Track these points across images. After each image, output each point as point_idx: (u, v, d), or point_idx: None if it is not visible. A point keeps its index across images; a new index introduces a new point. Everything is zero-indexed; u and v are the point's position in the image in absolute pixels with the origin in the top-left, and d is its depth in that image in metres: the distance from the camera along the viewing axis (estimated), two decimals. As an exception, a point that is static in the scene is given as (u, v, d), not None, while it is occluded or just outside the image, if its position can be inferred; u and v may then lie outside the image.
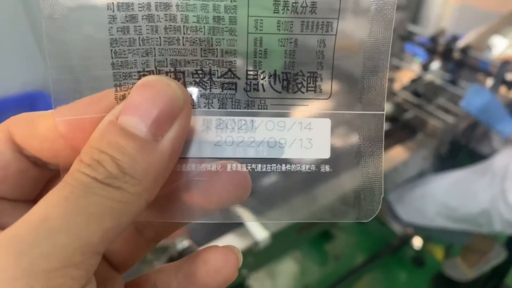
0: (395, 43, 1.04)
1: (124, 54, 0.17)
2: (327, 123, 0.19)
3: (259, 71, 0.18)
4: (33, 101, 1.37)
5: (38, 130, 0.15)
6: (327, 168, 0.19)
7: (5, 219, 0.15)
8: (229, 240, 0.75)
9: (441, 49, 1.17)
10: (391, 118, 1.18)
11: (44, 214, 0.12)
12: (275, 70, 0.18)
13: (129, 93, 0.16)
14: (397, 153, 1.09)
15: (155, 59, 0.17)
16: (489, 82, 1.12)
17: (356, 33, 0.18)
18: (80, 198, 0.13)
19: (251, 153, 0.18)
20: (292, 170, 0.19)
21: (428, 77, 1.21)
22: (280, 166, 0.19)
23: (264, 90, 0.19)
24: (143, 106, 0.14)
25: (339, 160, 0.19)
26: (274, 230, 0.78)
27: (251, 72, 0.18)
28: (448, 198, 1.09)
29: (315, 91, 0.19)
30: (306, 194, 0.21)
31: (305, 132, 0.19)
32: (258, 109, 0.19)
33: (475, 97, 1.00)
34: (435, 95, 1.18)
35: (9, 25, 1.01)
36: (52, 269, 0.12)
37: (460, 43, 1.15)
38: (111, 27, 0.17)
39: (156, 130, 0.14)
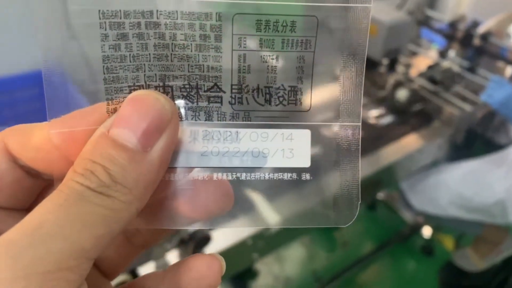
0: (413, 28, 1.00)
1: (116, 70, 0.18)
2: (307, 134, 0.20)
3: (243, 85, 0.20)
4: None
5: (32, 141, 0.16)
6: (307, 176, 0.20)
7: (0, 226, 0.16)
8: (240, 223, 0.75)
9: (460, 35, 1.13)
10: (406, 105, 1.16)
11: (39, 221, 0.13)
12: (258, 85, 0.20)
13: (120, 106, 0.16)
14: (412, 141, 1.07)
15: (144, 74, 0.19)
16: (509, 70, 1.09)
17: (333, 50, 0.19)
18: (74, 206, 0.13)
19: (236, 163, 0.19)
20: (275, 178, 0.20)
21: (446, 64, 1.18)
22: (263, 175, 0.20)
23: (248, 103, 0.20)
24: (133, 119, 0.15)
25: (319, 168, 0.20)
26: (287, 215, 0.78)
27: (236, 86, 0.19)
28: (462, 188, 1.08)
29: (295, 104, 0.20)
30: (287, 202, 0.23)
31: (286, 143, 0.20)
32: (243, 121, 0.20)
33: (496, 90, 0.97)
34: (453, 82, 1.14)
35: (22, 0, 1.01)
36: (47, 272, 0.12)
37: (480, 29, 1.11)
38: (103, 45, 0.18)
39: (146, 141, 0.15)
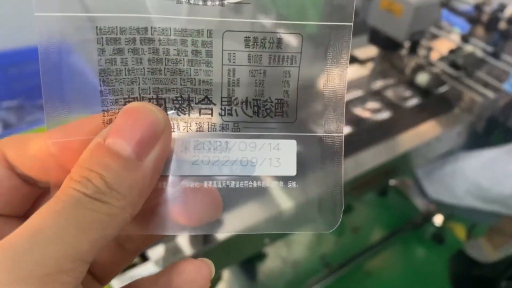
0: (436, 9, 0.95)
1: (112, 83, 0.19)
2: (293, 144, 0.21)
3: (233, 98, 0.21)
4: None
5: (29, 150, 0.17)
6: (293, 184, 0.22)
7: None
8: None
9: (485, 18, 1.07)
10: (426, 90, 1.11)
11: (38, 226, 0.14)
12: (246, 97, 0.21)
13: (115, 117, 0.17)
14: (431, 128, 1.04)
15: (139, 87, 0.20)
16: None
17: (317, 65, 0.21)
18: (71, 211, 0.14)
19: (225, 171, 0.21)
20: (263, 186, 0.21)
21: (468, 48, 1.12)
22: (252, 183, 0.21)
23: (237, 115, 0.21)
24: (127, 130, 0.16)
25: (304, 176, 0.22)
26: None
27: (225, 99, 0.21)
28: (480, 177, 1.04)
29: (282, 115, 0.21)
30: (274, 208, 0.26)
31: (274, 152, 0.21)
32: (232, 131, 0.21)
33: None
34: (475, 68, 1.09)
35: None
36: (45, 275, 0.13)
37: (507, 12, 1.05)
38: (100, 59, 0.19)
39: (139, 150, 0.16)
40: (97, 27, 0.19)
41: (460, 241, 1.38)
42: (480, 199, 1.06)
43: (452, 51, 1.13)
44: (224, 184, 0.20)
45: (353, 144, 0.94)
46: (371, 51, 1.24)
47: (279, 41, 0.20)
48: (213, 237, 0.69)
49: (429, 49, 1.14)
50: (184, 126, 0.21)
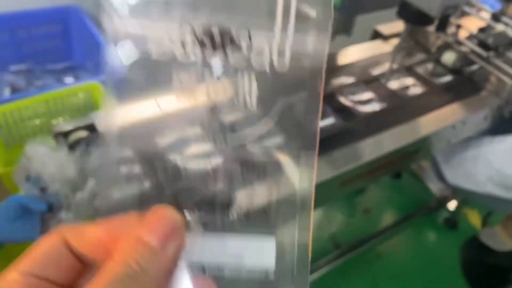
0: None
1: None
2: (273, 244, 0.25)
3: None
4: (66, 16, 1.31)
5: (85, 236, 0.22)
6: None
7: None
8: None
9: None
10: (453, 70, 1.06)
11: None
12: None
13: (146, 216, 0.22)
14: (456, 110, 0.99)
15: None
16: None
17: None
18: (114, 286, 0.19)
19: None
20: (249, 276, 0.25)
21: (499, 27, 1.06)
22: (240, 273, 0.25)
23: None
24: (155, 226, 0.21)
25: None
26: (317, 181, 0.73)
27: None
28: (503, 164, 1.00)
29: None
30: None
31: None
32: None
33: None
34: (506, 48, 1.04)
35: None
36: None
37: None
38: None
39: (164, 243, 0.21)
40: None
41: (474, 227, 1.35)
42: (502, 186, 1.02)
43: (481, 30, 1.08)
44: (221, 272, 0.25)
45: (374, 124, 0.90)
46: (397, 26, 1.19)
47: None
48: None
49: (458, 26, 1.08)
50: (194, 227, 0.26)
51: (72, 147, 0.72)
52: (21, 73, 1.29)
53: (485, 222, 1.32)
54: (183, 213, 0.25)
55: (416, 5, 0.78)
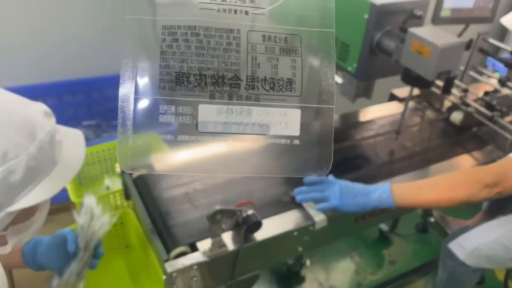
0: (459, 51, 1.00)
1: (168, 60, 0.28)
2: (298, 112, 0.29)
3: (255, 76, 0.29)
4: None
5: None
6: (297, 141, 0.29)
7: None
8: (288, 216, 0.83)
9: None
10: (461, 128, 1.18)
11: None
12: (265, 76, 0.29)
13: None
14: (465, 160, 1.08)
15: (187, 65, 0.28)
16: None
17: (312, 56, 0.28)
18: None
19: (248, 130, 0.29)
20: (275, 142, 0.29)
21: (504, 91, 1.18)
22: (266, 140, 0.29)
23: (258, 89, 0.29)
24: None
25: (305, 136, 0.29)
26: (332, 217, 0.84)
27: (250, 77, 0.29)
28: None
29: (291, 91, 0.29)
30: (283, 159, 0.32)
31: (283, 118, 0.29)
32: (254, 101, 0.29)
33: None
34: (510, 109, 1.14)
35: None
36: None
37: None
38: (162, 45, 0.28)
39: None
40: (163, 25, 0.28)
41: (499, 283, 1.36)
42: None
43: (487, 93, 1.19)
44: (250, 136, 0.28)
45: (386, 169, 0.99)
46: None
47: (286, 39, 0.28)
48: (253, 237, 0.77)
49: (466, 90, 1.20)
50: (219, 96, 0.28)
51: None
52: (91, 127, 1.53)
53: (508, 277, 1.33)
54: (206, 85, 0.27)
55: (415, 71, 0.91)
